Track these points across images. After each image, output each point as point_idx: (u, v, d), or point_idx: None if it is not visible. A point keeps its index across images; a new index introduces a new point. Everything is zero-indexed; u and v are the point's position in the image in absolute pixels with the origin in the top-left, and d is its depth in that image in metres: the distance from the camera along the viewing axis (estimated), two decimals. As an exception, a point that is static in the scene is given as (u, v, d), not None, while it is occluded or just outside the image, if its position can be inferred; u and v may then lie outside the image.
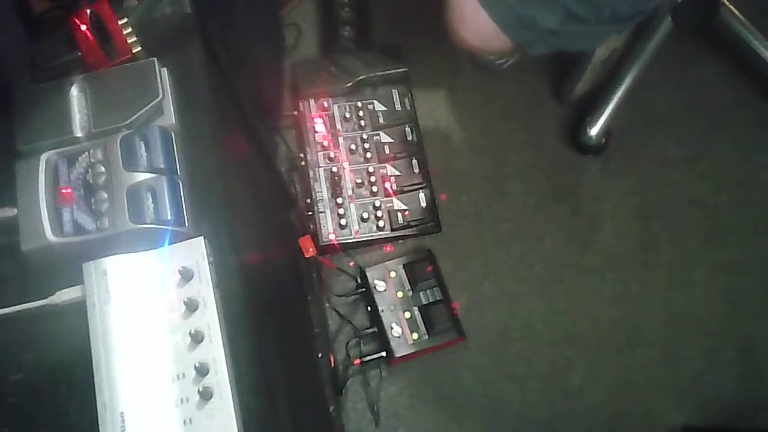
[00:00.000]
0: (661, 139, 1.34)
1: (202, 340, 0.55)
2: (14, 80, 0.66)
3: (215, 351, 0.55)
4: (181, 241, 0.59)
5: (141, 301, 0.57)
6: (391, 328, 1.14)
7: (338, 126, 1.28)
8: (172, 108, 0.66)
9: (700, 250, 1.26)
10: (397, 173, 1.26)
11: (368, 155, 1.26)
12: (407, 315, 1.16)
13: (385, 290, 1.17)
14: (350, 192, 1.23)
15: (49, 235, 0.59)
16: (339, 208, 1.22)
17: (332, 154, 1.25)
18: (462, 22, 1.00)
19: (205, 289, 0.57)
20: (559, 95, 1.36)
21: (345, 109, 1.29)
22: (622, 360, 1.19)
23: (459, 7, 0.99)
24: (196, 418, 0.53)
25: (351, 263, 1.22)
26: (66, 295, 0.58)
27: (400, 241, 1.25)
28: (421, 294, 1.17)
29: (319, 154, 1.26)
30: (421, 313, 1.16)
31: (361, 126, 1.28)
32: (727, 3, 1.32)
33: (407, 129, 1.30)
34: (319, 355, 1.11)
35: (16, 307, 0.59)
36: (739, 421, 1.15)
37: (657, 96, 1.36)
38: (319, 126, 1.27)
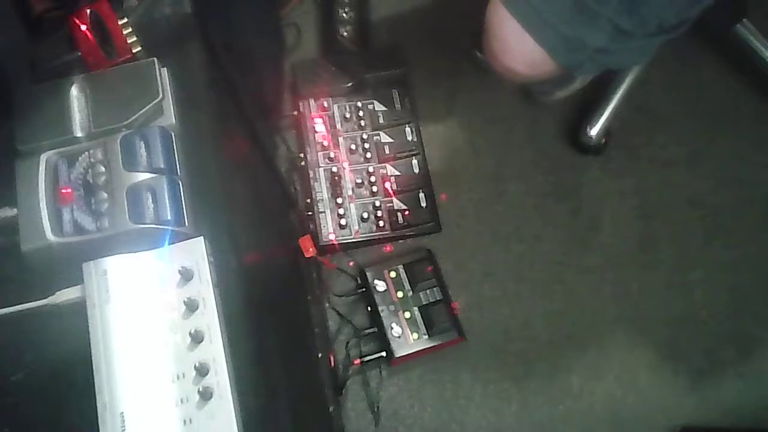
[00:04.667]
0: (661, 139, 1.34)
1: (202, 340, 0.55)
2: (14, 80, 0.66)
3: (215, 351, 0.55)
4: (181, 241, 0.59)
5: (141, 301, 0.57)
6: (391, 328, 1.14)
7: (338, 126, 1.28)
8: (172, 108, 0.66)
9: (700, 250, 1.26)
10: (397, 173, 1.26)
11: (368, 155, 1.26)
12: (407, 315, 1.15)
13: (385, 290, 1.17)
14: (350, 192, 1.23)
15: (49, 235, 0.59)
16: (339, 208, 1.22)
17: (332, 154, 1.25)
18: (506, 50, 0.96)
19: (205, 289, 0.57)
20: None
21: (345, 109, 1.29)
22: (622, 360, 1.19)
23: (502, 35, 0.95)
24: (196, 418, 0.53)
25: (351, 263, 1.22)
26: (66, 295, 0.58)
27: (400, 241, 1.25)
28: (421, 294, 1.17)
29: (319, 154, 1.26)
30: (421, 313, 1.16)
31: (361, 126, 1.28)
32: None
33: (407, 129, 1.29)
34: (319, 355, 1.11)
35: (16, 307, 0.59)
36: (739, 421, 1.15)
37: (657, 96, 1.36)
38: (319, 126, 1.27)
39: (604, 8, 0.89)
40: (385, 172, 1.26)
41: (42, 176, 0.61)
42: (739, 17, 1.31)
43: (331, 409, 1.08)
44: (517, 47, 0.94)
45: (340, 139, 1.27)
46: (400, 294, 1.17)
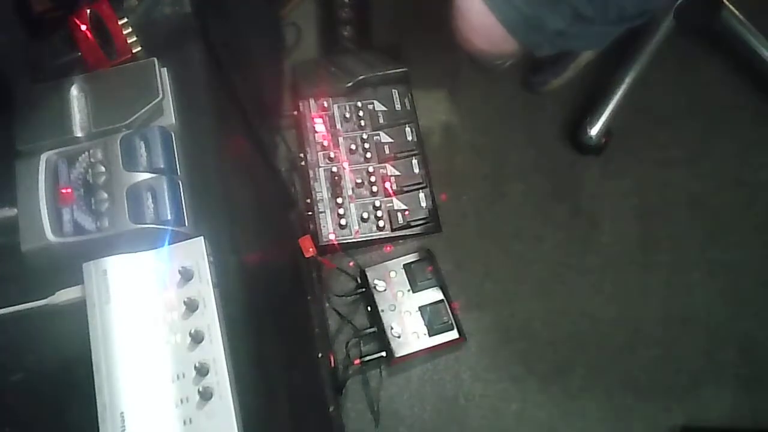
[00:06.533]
0: (661, 139, 1.34)
1: (202, 340, 0.55)
2: (14, 80, 0.66)
3: (215, 351, 0.55)
4: (181, 241, 0.59)
5: (141, 301, 0.57)
6: (391, 328, 1.14)
7: (338, 126, 1.28)
8: (172, 108, 0.66)
9: (700, 250, 1.26)
10: (397, 173, 1.26)
11: (368, 155, 1.26)
12: (407, 315, 1.15)
13: (385, 290, 1.17)
14: (350, 192, 1.23)
15: (49, 235, 0.59)
16: (339, 208, 1.22)
17: (332, 154, 1.25)
18: (469, 25, 0.99)
19: (205, 289, 0.57)
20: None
21: (345, 109, 1.29)
22: (622, 360, 1.19)
23: (466, 11, 0.99)
24: (196, 418, 0.53)
25: (351, 263, 1.22)
26: (66, 295, 0.58)
27: (400, 241, 1.25)
28: (421, 294, 1.17)
29: (319, 154, 1.26)
30: (421, 313, 1.16)
31: (361, 126, 1.28)
32: (728, 3, 1.32)
33: (407, 129, 1.29)
34: (319, 355, 1.11)
35: (16, 307, 0.59)
36: (739, 421, 1.15)
37: (657, 96, 1.36)
38: (319, 126, 1.27)
39: None
40: (385, 172, 1.26)
41: (42, 176, 0.61)
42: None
43: (331, 409, 1.09)
44: (480, 24, 0.97)
45: (340, 139, 1.27)
46: (400, 294, 1.17)
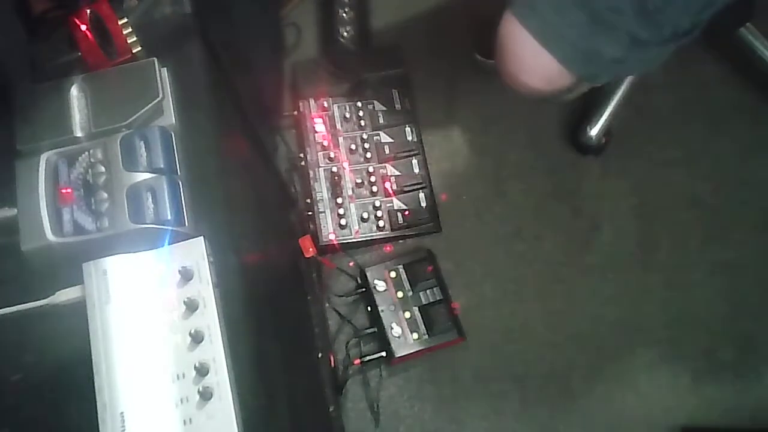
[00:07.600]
0: (661, 139, 1.34)
1: (202, 340, 0.55)
2: (14, 80, 0.66)
3: (215, 351, 0.55)
4: (181, 241, 0.59)
5: (141, 301, 0.57)
6: (391, 328, 1.14)
7: (338, 126, 1.28)
8: (172, 108, 0.66)
9: (700, 250, 1.26)
10: (397, 173, 1.26)
11: (368, 155, 1.26)
12: (407, 315, 1.16)
13: (385, 290, 1.17)
14: (350, 192, 1.23)
15: (49, 235, 0.59)
16: (339, 208, 1.22)
17: (332, 154, 1.26)
18: (521, 66, 0.95)
19: (205, 289, 0.57)
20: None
21: (345, 109, 1.29)
22: (622, 360, 1.19)
23: (518, 52, 0.94)
24: (196, 418, 0.53)
25: (351, 263, 1.22)
26: (66, 295, 0.58)
27: (400, 241, 1.25)
28: (421, 294, 1.17)
29: (319, 154, 1.26)
30: (421, 313, 1.16)
31: (361, 126, 1.28)
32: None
33: (407, 129, 1.30)
34: (319, 355, 1.11)
35: (16, 307, 0.59)
36: (739, 421, 1.15)
37: (657, 96, 1.36)
38: (319, 126, 1.27)
39: (620, 19, 0.89)
40: (385, 172, 1.26)
41: (42, 176, 0.61)
42: (743, 21, 1.31)
43: (331, 409, 1.09)
44: (534, 63, 0.93)
45: (340, 139, 1.27)
46: (400, 294, 1.17)
